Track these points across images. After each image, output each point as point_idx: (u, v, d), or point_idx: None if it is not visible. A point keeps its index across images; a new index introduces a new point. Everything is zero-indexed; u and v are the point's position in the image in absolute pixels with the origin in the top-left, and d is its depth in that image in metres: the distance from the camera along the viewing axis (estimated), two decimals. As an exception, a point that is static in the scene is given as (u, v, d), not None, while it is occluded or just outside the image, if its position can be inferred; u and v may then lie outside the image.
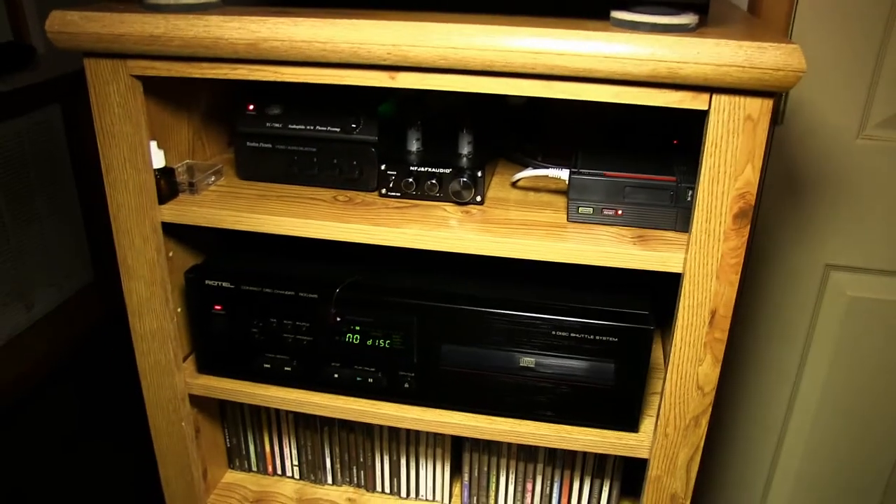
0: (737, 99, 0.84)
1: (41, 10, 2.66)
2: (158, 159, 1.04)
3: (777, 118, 1.56)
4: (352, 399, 1.13)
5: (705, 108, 0.85)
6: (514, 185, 1.15)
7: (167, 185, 1.05)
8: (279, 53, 0.89)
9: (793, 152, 1.59)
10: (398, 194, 1.08)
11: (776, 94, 0.83)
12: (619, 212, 1.00)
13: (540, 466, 1.25)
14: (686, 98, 0.85)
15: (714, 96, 0.84)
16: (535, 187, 1.14)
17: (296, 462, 1.35)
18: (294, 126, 1.09)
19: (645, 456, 1.07)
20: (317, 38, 0.87)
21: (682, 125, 1.14)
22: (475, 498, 1.30)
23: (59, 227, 2.90)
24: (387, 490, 1.34)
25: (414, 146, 1.11)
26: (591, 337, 1.02)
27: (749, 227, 0.90)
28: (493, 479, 1.28)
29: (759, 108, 0.84)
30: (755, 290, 1.75)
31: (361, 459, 1.32)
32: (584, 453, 1.21)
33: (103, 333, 3.05)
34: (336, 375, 1.11)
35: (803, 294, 1.74)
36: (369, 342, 1.09)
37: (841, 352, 1.76)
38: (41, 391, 2.73)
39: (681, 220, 0.98)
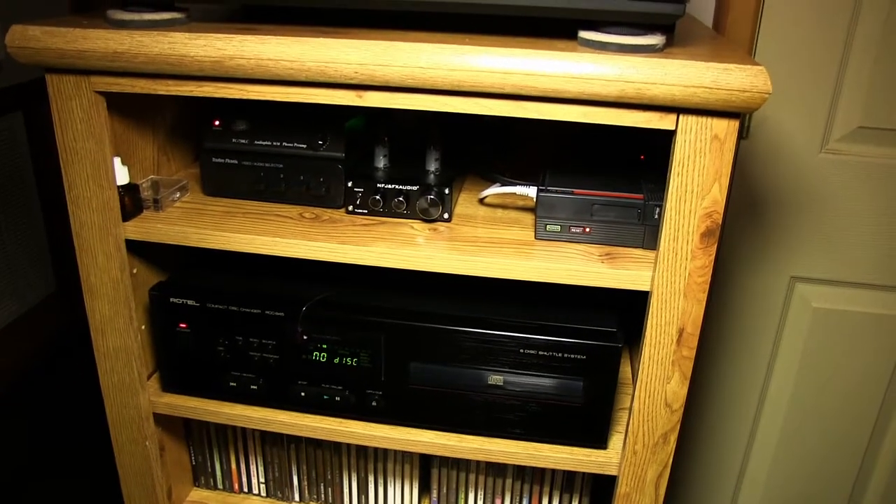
0: (704, 119, 0.84)
1: (3, 17, 2.62)
2: (122, 175, 1.02)
3: (742, 132, 1.58)
4: (319, 417, 1.12)
5: (672, 128, 0.85)
6: (481, 201, 1.14)
7: (131, 202, 1.04)
8: (246, 71, 0.88)
9: (758, 166, 1.61)
10: (365, 211, 1.07)
11: (743, 114, 0.84)
12: (587, 229, 1.00)
13: (509, 482, 1.24)
14: (653, 118, 0.85)
15: (681, 116, 0.84)
16: (502, 204, 1.14)
17: (262, 479, 1.34)
18: (260, 142, 1.08)
19: (614, 473, 1.07)
20: (284, 56, 0.86)
21: (649, 140, 1.14)
22: (443, 514, 1.30)
23: (20, 237, 2.85)
24: (354, 507, 1.33)
25: (381, 163, 1.11)
26: (560, 354, 1.02)
27: (716, 245, 0.90)
28: (462, 496, 1.27)
29: (726, 129, 0.84)
30: (721, 301, 1.76)
31: (329, 476, 1.31)
32: (553, 469, 1.20)
33: (67, 343, 3.01)
34: (303, 394, 1.10)
35: (769, 306, 1.75)
36: (337, 360, 1.08)
37: (806, 362, 1.78)
38: (2, 404, 2.69)
39: (648, 237, 0.99)
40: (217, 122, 1.09)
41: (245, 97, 0.92)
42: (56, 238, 3.01)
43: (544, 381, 1.04)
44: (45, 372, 2.87)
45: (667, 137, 0.89)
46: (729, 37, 1.47)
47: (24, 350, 2.89)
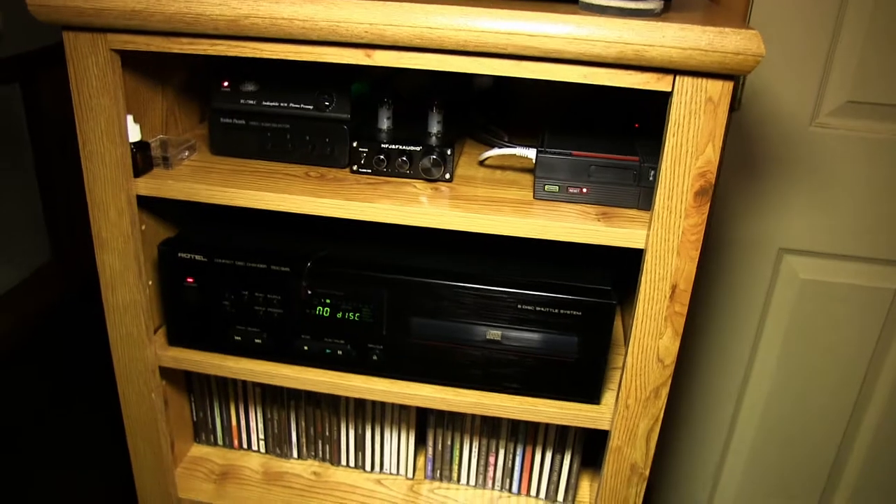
0: (699, 81, 0.87)
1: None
2: (134, 133, 1.05)
3: (734, 104, 1.61)
4: (321, 371, 1.16)
5: (669, 89, 0.89)
6: (481, 163, 1.18)
7: (142, 159, 1.07)
8: (259, 30, 0.91)
9: (749, 138, 1.64)
10: (369, 171, 1.10)
11: (736, 77, 0.87)
12: (584, 190, 1.04)
13: (503, 441, 1.28)
14: (651, 79, 0.88)
15: (678, 78, 0.88)
16: (501, 166, 1.17)
17: (262, 436, 1.38)
18: (268, 103, 1.11)
19: (606, 427, 1.11)
20: (297, 15, 0.89)
21: (643, 110, 1.17)
22: (438, 471, 1.34)
23: (16, 205, 2.87)
24: (352, 464, 1.37)
25: (385, 124, 1.14)
26: (556, 311, 1.05)
27: (709, 204, 0.94)
28: (457, 453, 1.31)
29: (720, 90, 0.88)
30: (711, 272, 1.80)
31: (327, 433, 1.34)
32: (546, 427, 1.24)
33: (63, 311, 3.03)
34: (306, 348, 1.14)
35: (758, 276, 1.79)
36: (339, 315, 1.11)
37: (793, 332, 1.82)
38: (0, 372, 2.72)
39: (643, 198, 1.02)
40: (226, 83, 1.11)
41: (258, 56, 0.95)
42: (51, 208, 3.03)
43: (541, 337, 1.07)
44: (41, 341, 2.90)
45: (660, 105, 0.92)
46: (724, 8, 1.50)
47: (19, 318, 2.91)
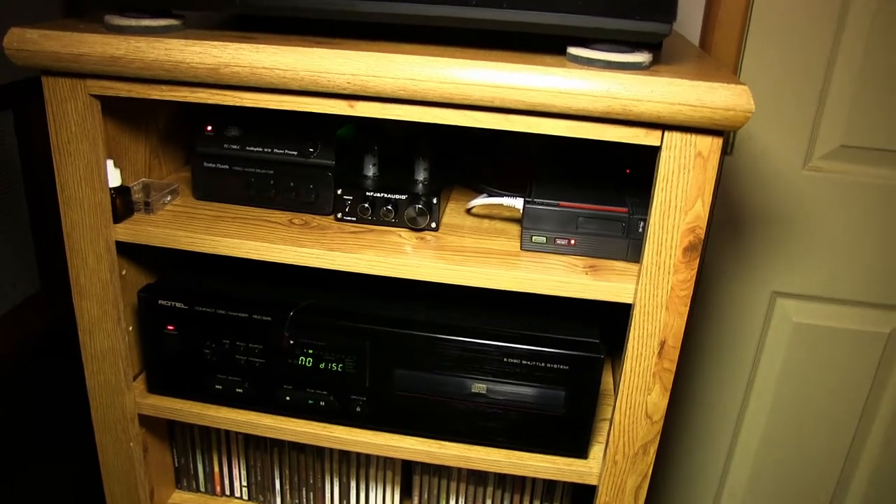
0: (688, 136, 0.86)
1: (-6, 18, 2.62)
2: (114, 178, 1.03)
3: (727, 148, 1.60)
4: (303, 422, 1.13)
5: (658, 144, 0.87)
6: (468, 212, 1.16)
7: (123, 204, 1.05)
8: (240, 79, 0.89)
9: (742, 181, 1.63)
10: (354, 219, 1.08)
11: (726, 131, 0.86)
12: (572, 241, 1.02)
13: (490, 490, 1.25)
14: (639, 134, 0.87)
15: (666, 133, 0.86)
16: (489, 215, 1.15)
17: (244, 483, 1.35)
18: (252, 148, 1.09)
19: (594, 483, 1.09)
20: (278, 65, 0.87)
21: (635, 154, 1.16)
22: (424, 520, 1.31)
23: (6, 236, 2.85)
24: (336, 511, 1.34)
25: (371, 171, 1.12)
26: (542, 364, 1.03)
27: (699, 260, 0.92)
28: (443, 503, 1.28)
29: (710, 145, 0.86)
30: (704, 314, 1.78)
31: (311, 481, 1.32)
32: (534, 478, 1.22)
33: (50, 343, 3.00)
34: (288, 398, 1.12)
35: (751, 319, 1.77)
36: (322, 365, 1.09)
37: (786, 376, 1.80)
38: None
39: (632, 250, 1.00)
40: (210, 128, 1.10)
41: (239, 104, 0.93)
42: (42, 238, 3.00)
43: (527, 391, 1.05)
44: (27, 372, 2.87)
45: (652, 152, 0.90)
46: (715, 55, 1.49)
47: (6, 349, 2.88)
